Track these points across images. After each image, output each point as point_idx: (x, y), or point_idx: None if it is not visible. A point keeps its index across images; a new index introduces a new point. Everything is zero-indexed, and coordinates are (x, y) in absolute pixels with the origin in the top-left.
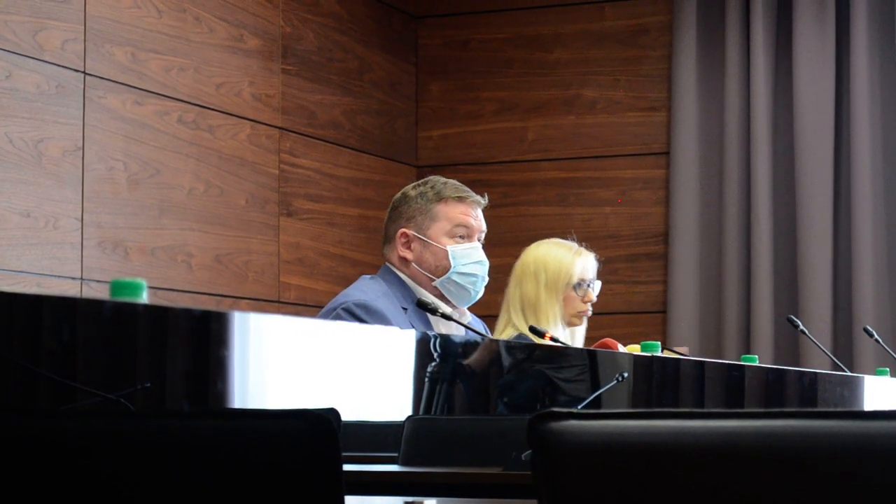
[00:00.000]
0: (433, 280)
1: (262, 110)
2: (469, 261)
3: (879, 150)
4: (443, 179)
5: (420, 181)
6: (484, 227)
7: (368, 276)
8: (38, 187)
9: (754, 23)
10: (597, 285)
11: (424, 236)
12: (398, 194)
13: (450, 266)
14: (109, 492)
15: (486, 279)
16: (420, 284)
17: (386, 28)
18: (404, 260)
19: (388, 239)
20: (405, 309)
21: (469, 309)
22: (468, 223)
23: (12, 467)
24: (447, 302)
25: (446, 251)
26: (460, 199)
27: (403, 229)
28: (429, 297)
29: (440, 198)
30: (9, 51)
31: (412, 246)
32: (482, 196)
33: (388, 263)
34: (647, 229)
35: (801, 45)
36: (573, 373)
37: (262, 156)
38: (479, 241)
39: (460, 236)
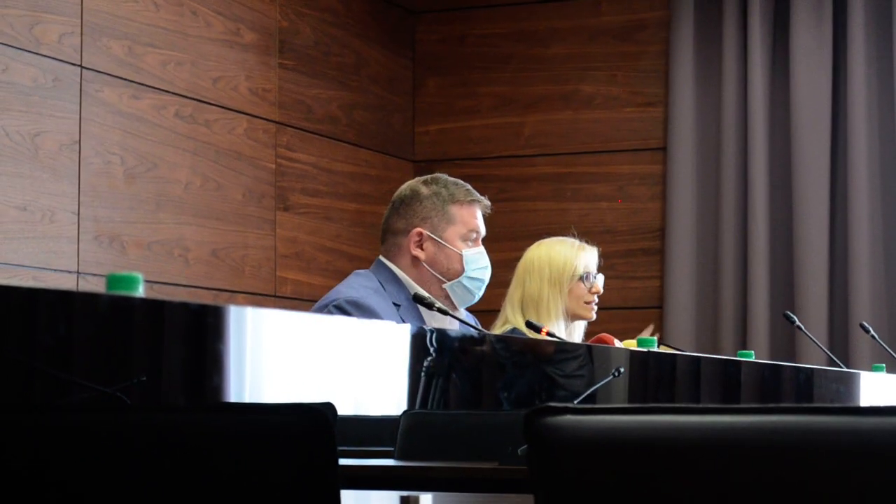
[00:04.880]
0: (444, 282)
1: (259, 105)
2: (479, 266)
3: (876, 145)
4: (451, 179)
5: (428, 178)
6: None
7: (360, 272)
8: (34, 181)
9: (751, 18)
10: (600, 278)
11: (440, 238)
12: (405, 190)
13: (462, 270)
14: (105, 486)
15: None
16: (424, 283)
17: (383, 23)
18: (415, 259)
19: (395, 234)
20: (398, 305)
21: None
22: (479, 228)
23: (8, 461)
24: (446, 302)
25: (461, 255)
26: (472, 203)
27: (419, 228)
28: (423, 292)
29: (454, 199)
30: (5, 44)
31: (425, 246)
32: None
33: (382, 258)
34: (643, 225)
35: (799, 40)
36: (571, 368)
37: (259, 150)
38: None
39: (471, 240)
